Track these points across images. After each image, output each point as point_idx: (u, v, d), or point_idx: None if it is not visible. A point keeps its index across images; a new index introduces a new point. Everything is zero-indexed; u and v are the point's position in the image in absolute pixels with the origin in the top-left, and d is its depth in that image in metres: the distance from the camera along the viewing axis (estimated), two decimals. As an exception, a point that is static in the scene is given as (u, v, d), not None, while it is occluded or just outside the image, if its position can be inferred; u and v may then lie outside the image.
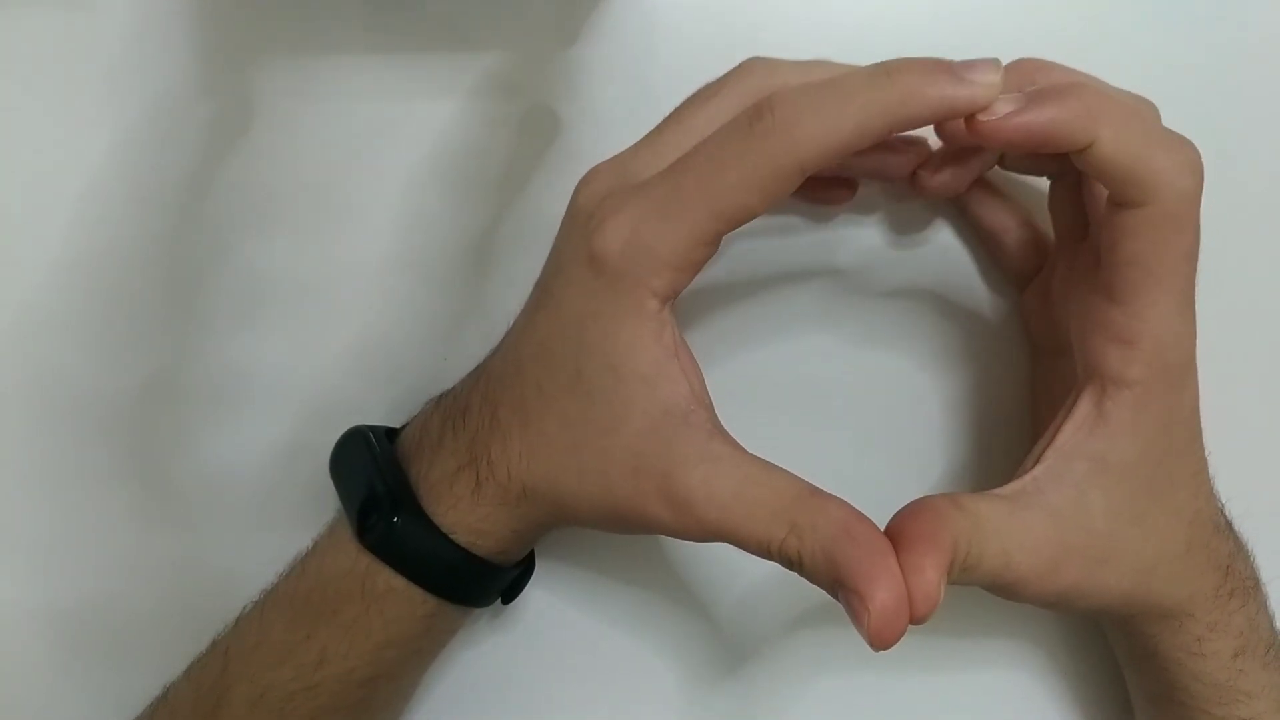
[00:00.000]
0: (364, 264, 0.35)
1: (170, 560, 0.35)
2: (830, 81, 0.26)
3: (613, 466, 0.28)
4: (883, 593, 0.24)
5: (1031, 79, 0.30)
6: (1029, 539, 0.27)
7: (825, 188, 0.34)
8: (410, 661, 0.32)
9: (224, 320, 0.35)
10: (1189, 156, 0.27)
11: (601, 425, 0.28)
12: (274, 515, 0.35)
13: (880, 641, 0.24)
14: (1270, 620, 0.31)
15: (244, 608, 0.32)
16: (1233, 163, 0.35)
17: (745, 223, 0.27)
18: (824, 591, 0.26)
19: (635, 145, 0.30)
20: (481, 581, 0.31)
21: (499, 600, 0.33)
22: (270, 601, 0.32)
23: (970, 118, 0.26)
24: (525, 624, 0.36)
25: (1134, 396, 0.27)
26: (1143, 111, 0.29)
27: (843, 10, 0.36)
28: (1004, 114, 0.26)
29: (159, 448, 0.35)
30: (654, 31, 0.35)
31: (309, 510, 0.35)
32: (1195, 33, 0.36)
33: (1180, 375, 0.28)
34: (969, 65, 0.26)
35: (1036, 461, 0.28)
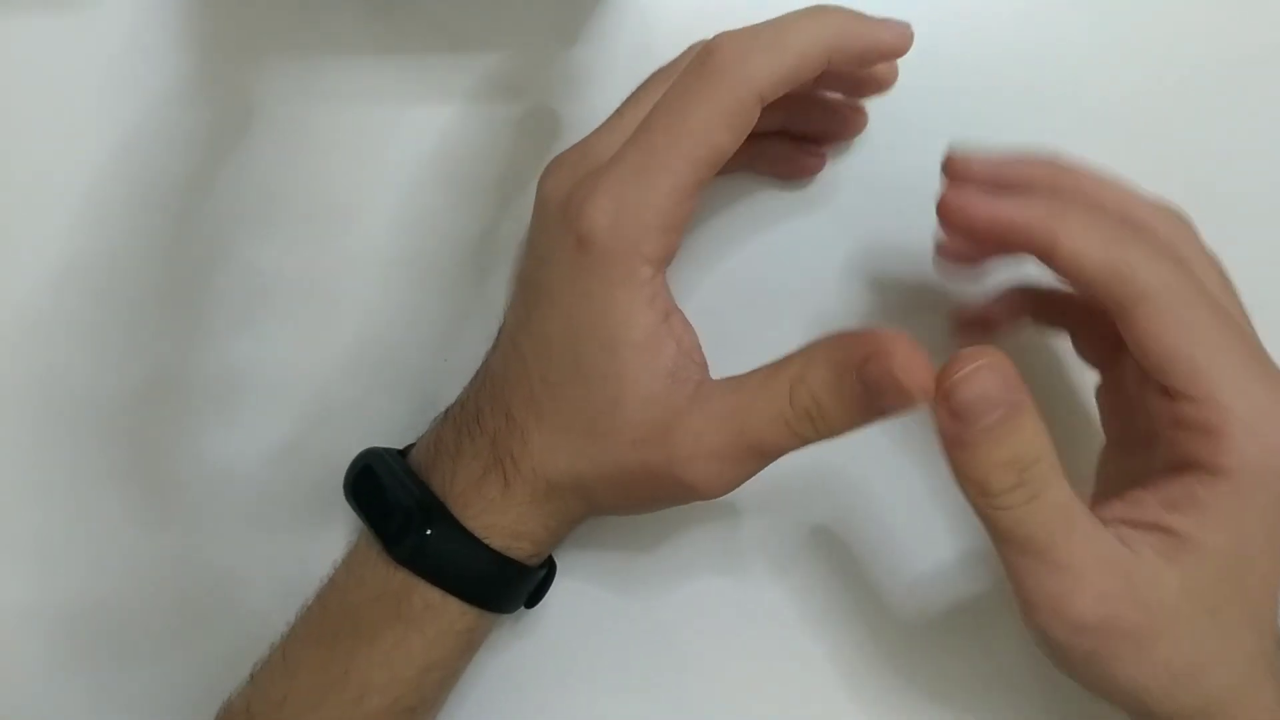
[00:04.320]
0: (364, 264, 0.36)
1: (170, 560, 0.35)
2: (769, 20, 0.28)
3: (621, 442, 0.28)
4: (889, 338, 0.25)
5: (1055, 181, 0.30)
6: (1095, 550, 0.25)
7: (793, 159, 0.35)
8: (447, 685, 0.31)
9: (224, 320, 0.35)
10: (1170, 232, 0.27)
11: (604, 404, 0.28)
12: (274, 515, 0.35)
13: (916, 376, 0.24)
14: None
15: (255, 665, 0.31)
16: (1234, 161, 0.36)
17: (718, 166, 0.28)
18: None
19: (595, 130, 0.31)
20: (515, 584, 0.31)
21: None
22: (292, 649, 0.31)
23: (943, 204, 0.28)
24: (541, 627, 0.35)
25: (1232, 488, 0.25)
26: (1121, 211, 0.28)
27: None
28: (970, 203, 0.27)
29: (159, 448, 0.35)
30: (653, 33, 0.35)
31: (309, 510, 0.35)
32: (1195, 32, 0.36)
33: None
34: (887, 19, 0.29)
35: (1109, 523, 0.26)
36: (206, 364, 0.35)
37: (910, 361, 0.24)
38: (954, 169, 0.30)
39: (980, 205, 0.28)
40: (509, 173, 0.35)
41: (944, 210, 0.28)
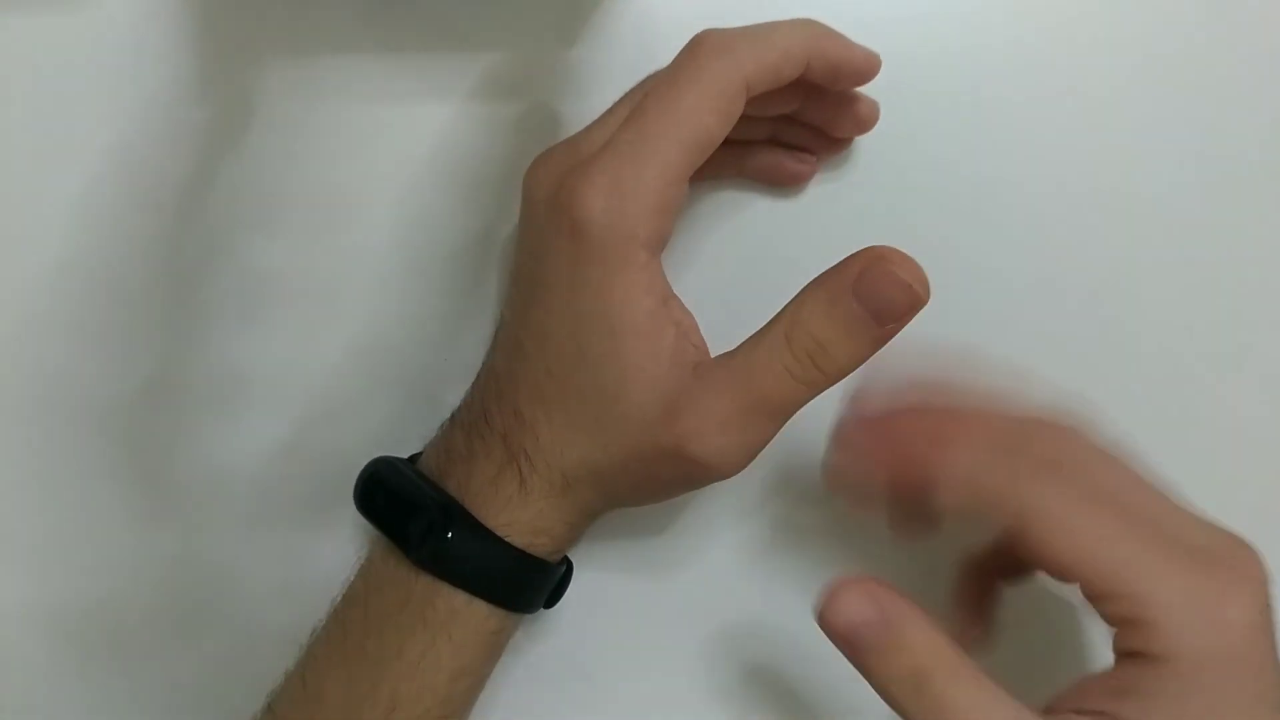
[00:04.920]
0: (364, 264, 0.36)
1: (170, 559, 0.35)
2: (755, 24, 0.29)
3: (630, 429, 0.28)
4: (875, 249, 0.26)
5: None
6: None
7: (784, 166, 0.35)
8: (475, 691, 0.31)
9: (224, 320, 0.35)
10: (1053, 441, 0.27)
11: (610, 392, 0.28)
12: (274, 514, 0.35)
13: (915, 274, 0.25)
14: None
15: (270, 692, 0.31)
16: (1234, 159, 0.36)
17: (708, 150, 0.28)
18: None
19: (584, 128, 0.31)
20: (538, 581, 0.31)
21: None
22: (312, 671, 0.30)
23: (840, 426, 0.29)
24: (556, 627, 0.36)
25: (1172, 672, 0.24)
26: (1004, 432, 0.28)
27: (840, 12, 0.36)
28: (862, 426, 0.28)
29: (159, 447, 0.35)
30: (653, 33, 0.35)
31: (309, 509, 0.35)
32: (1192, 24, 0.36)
33: (1231, 650, 0.24)
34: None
35: (1050, 709, 0.26)
36: (206, 364, 0.35)
37: (906, 261, 0.25)
38: (854, 397, 0.30)
39: (872, 426, 0.28)
40: (509, 173, 0.35)
41: (843, 432, 0.29)
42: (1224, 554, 0.26)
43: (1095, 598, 0.26)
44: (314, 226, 0.35)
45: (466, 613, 0.29)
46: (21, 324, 0.35)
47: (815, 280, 0.27)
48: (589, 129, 0.31)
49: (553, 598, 0.33)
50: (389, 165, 0.35)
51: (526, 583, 0.30)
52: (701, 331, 0.30)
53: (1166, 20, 0.36)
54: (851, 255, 0.26)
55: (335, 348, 0.35)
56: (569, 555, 0.34)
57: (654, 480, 0.29)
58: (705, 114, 0.28)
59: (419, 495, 0.30)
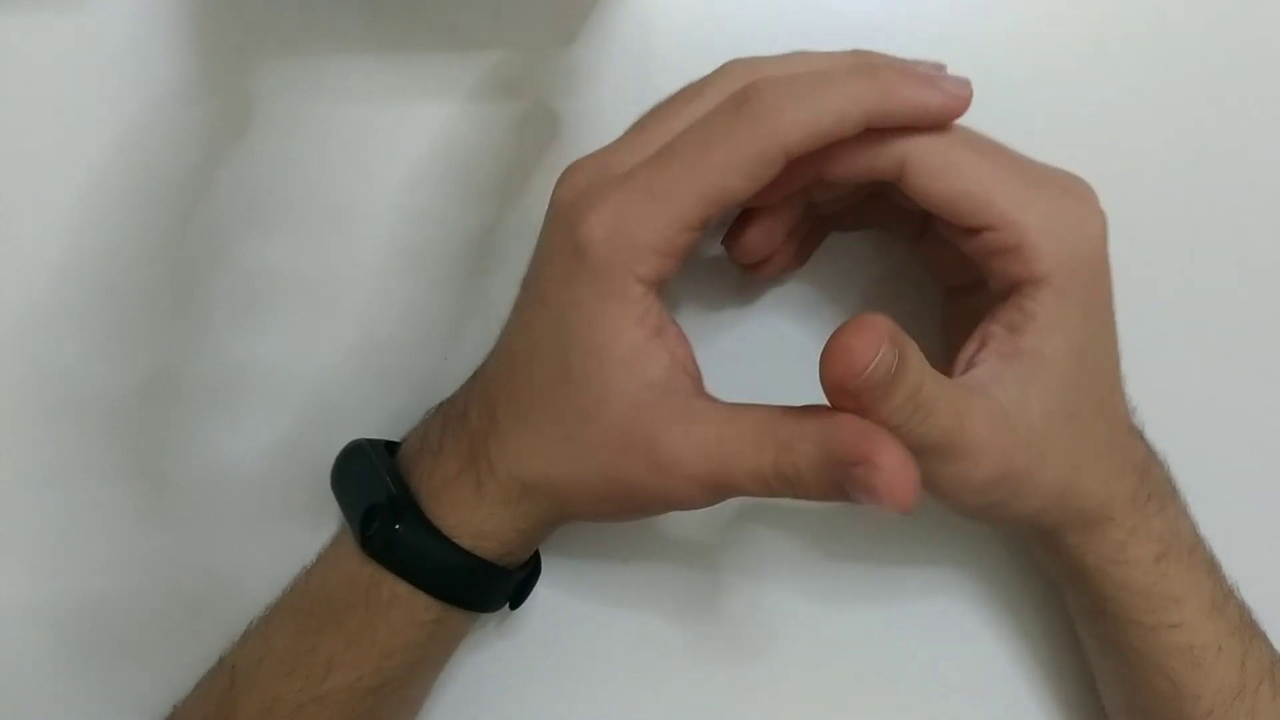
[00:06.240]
0: (364, 264, 0.36)
1: (171, 559, 0.35)
2: (814, 72, 0.27)
3: (601, 449, 0.28)
4: (882, 448, 0.24)
5: None
6: (982, 422, 0.27)
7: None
8: (417, 669, 0.32)
9: (224, 319, 0.35)
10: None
11: (588, 411, 0.28)
12: (274, 514, 0.35)
13: (898, 495, 0.24)
14: (1192, 525, 0.31)
15: (249, 623, 0.32)
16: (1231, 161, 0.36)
17: (728, 208, 0.28)
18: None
19: (617, 140, 0.30)
20: (486, 585, 0.31)
21: (506, 605, 0.33)
22: (275, 615, 0.32)
23: None
24: (532, 627, 0.36)
25: (1052, 289, 0.28)
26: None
27: (841, 10, 0.36)
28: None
29: (159, 446, 0.35)
30: (653, 31, 0.35)
31: (309, 509, 0.35)
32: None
33: (1090, 261, 0.28)
34: (944, 75, 0.28)
35: (970, 365, 0.28)
36: (206, 363, 0.35)
37: (894, 481, 0.24)
38: None
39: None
40: (509, 172, 0.35)
41: None
42: (1073, 185, 0.29)
43: (975, 230, 0.28)
44: (314, 226, 0.35)
45: (408, 601, 0.30)
46: (22, 324, 0.35)
47: (822, 423, 0.26)
48: (619, 145, 0.30)
49: (518, 598, 0.33)
50: (389, 165, 0.35)
51: (470, 583, 0.31)
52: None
53: (1169, 17, 0.36)
54: (861, 432, 0.25)
55: (335, 346, 0.35)
56: (541, 556, 0.34)
57: (613, 501, 0.29)
58: (733, 176, 0.27)
59: (377, 486, 0.30)
